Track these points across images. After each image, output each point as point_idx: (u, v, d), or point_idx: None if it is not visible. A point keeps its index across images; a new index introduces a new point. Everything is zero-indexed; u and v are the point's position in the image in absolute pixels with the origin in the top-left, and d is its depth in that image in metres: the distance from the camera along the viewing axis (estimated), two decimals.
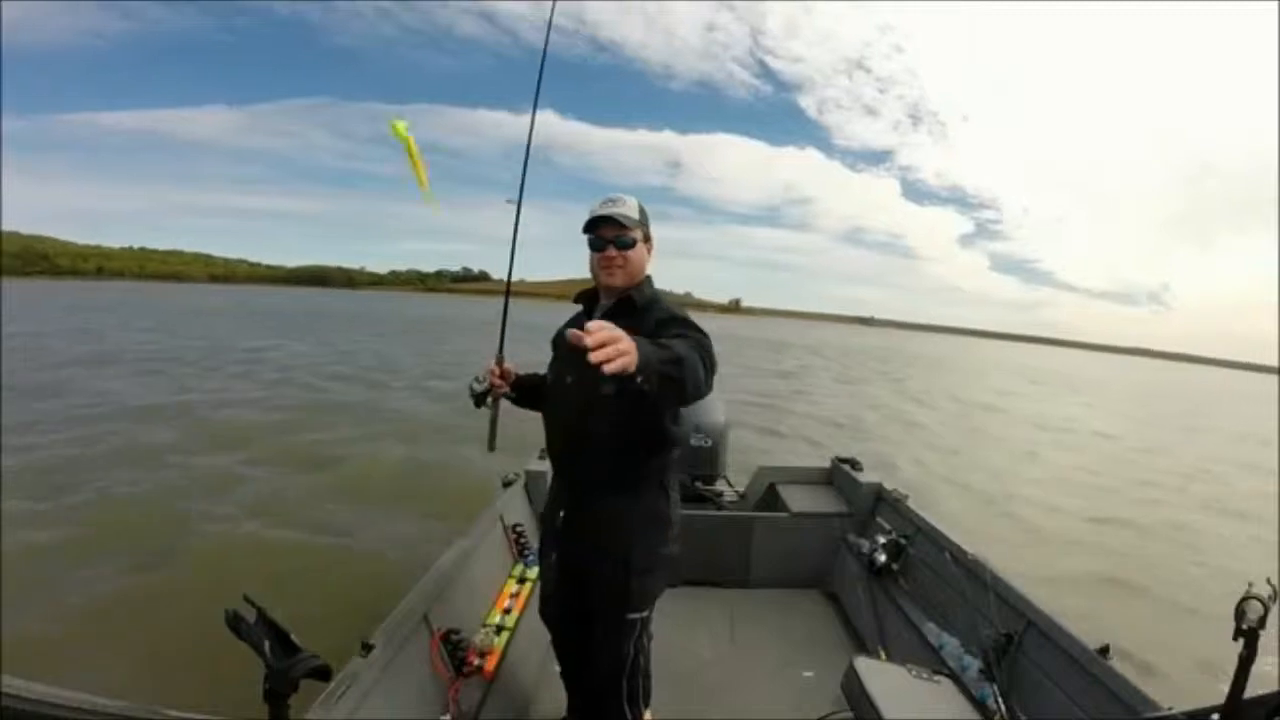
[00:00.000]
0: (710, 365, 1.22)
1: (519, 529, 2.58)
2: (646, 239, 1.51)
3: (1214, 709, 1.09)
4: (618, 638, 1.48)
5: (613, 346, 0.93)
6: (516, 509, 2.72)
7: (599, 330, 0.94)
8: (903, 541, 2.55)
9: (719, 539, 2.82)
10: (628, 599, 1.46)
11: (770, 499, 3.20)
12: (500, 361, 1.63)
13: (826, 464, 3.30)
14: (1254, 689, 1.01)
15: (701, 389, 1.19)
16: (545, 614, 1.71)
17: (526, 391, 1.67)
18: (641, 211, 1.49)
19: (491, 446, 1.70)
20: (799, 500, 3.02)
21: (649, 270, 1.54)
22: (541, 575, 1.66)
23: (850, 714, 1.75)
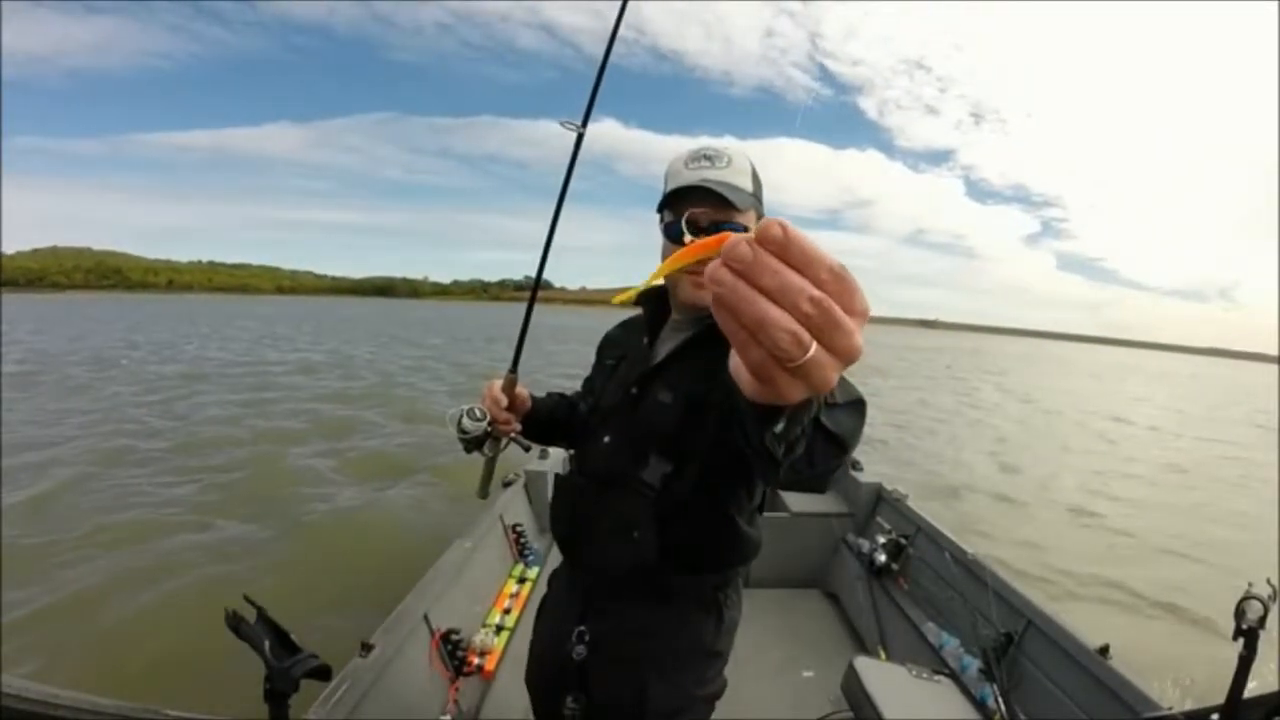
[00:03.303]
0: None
1: (519, 529, 2.58)
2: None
3: (1214, 709, 1.08)
4: None
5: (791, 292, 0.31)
6: (516, 509, 2.72)
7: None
8: (903, 541, 2.55)
9: None
10: None
11: (770, 499, 3.19)
12: (512, 385, 1.11)
13: None
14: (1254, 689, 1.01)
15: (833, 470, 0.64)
16: (531, 682, 1.18)
17: (544, 427, 1.19)
18: (755, 179, 0.94)
19: (484, 493, 1.28)
20: (799, 500, 3.02)
21: None
22: (536, 632, 1.19)
23: (850, 714, 1.75)
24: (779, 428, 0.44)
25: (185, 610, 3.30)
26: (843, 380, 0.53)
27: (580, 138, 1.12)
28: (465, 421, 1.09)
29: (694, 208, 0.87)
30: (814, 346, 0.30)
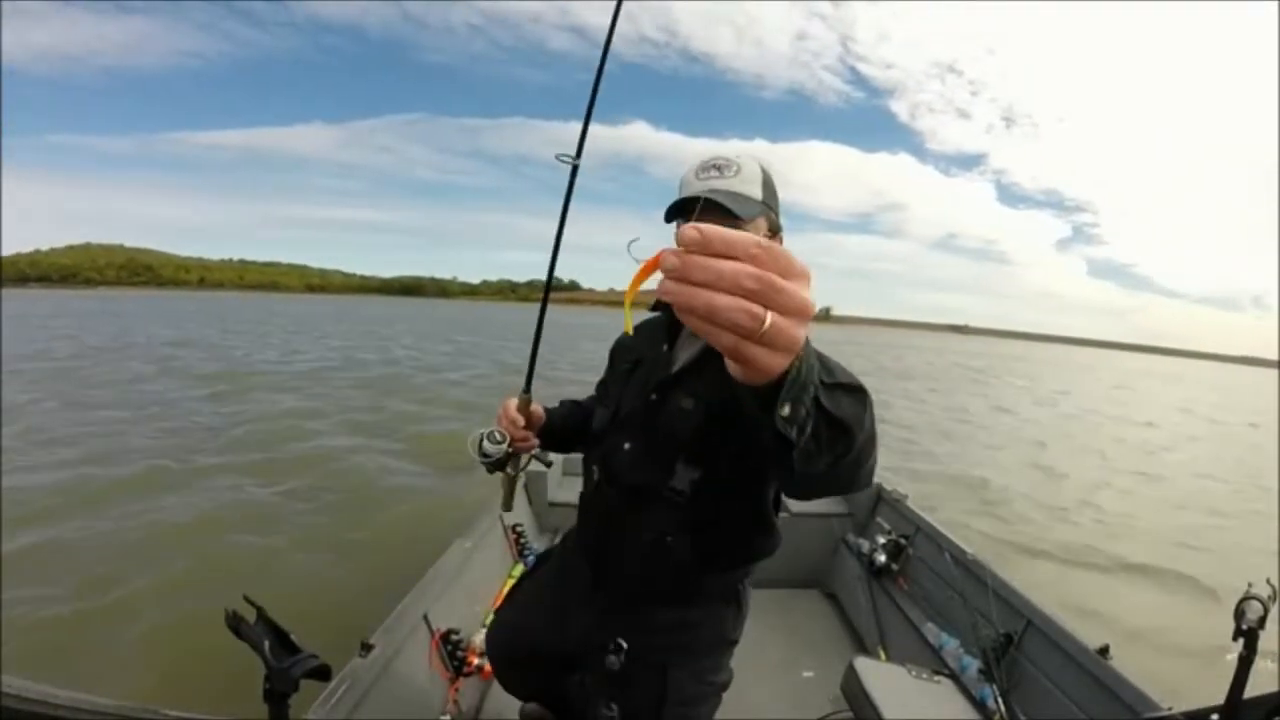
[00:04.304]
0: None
1: (519, 529, 2.58)
2: (774, 231, 0.94)
3: (1213, 709, 1.08)
4: None
5: (744, 278, 0.37)
6: (516, 509, 2.72)
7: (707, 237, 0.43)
8: (902, 541, 2.54)
9: None
10: None
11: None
12: (526, 405, 1.14)
13: None
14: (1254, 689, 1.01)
15: (863, 479, 0.61)
16: (510, 658, 1.27)
17: (560, 437, 1.22)
18: (767, 186, 0.93)
19: (508, 506, 1.29)
20: (798, 500, 3.02)
21: None
22: (526, 610, 1.27)
23: (850, 714, 1.75)
24: (786, 410, 0.45)
25: (185, 608, 3.31)
26: (840, 368, 0.55)
27: (575, 170, 1.14)
28: (486, 445, 1.11)
29: (698, 219, 0.84)
30: (768, 315, 0.35)
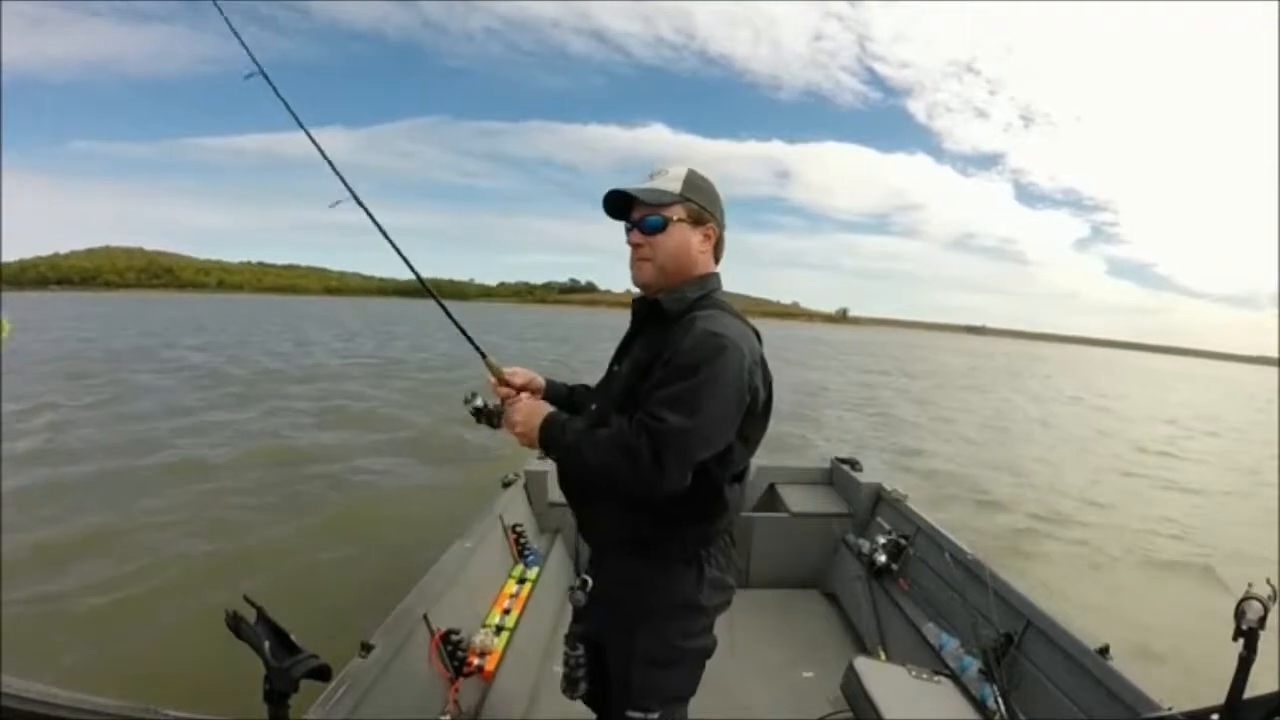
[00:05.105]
0: (657, 452, 0.93)
1: (519, 529, 2.58)
2: (699, 221, 1.12)
3: (1213, 709, 1.09)
4: None
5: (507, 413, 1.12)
6: (516, 509, 2.72)
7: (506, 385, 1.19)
8: (902, 541, 2.54)
9: None
10: (628, 692, 1.15)
11: (770, 499, 3.20)
12: (498, 370, 1.25)
13: (826, 464, 3.30)
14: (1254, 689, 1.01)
15: (636, 487, 0.96)
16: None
17: (562, 404, 1.31)
18: (692, 184, 1.12)
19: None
20: (799, 500, 3.02)
21: (715, 267, 1.18)
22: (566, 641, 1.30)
23: (850, 714, 1.75)
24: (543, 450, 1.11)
25: (185, 608, 3.31)
26: (578, 445, 1.06)
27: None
28: (476, 400, 1.22)
29: (634, 209, 1.14)
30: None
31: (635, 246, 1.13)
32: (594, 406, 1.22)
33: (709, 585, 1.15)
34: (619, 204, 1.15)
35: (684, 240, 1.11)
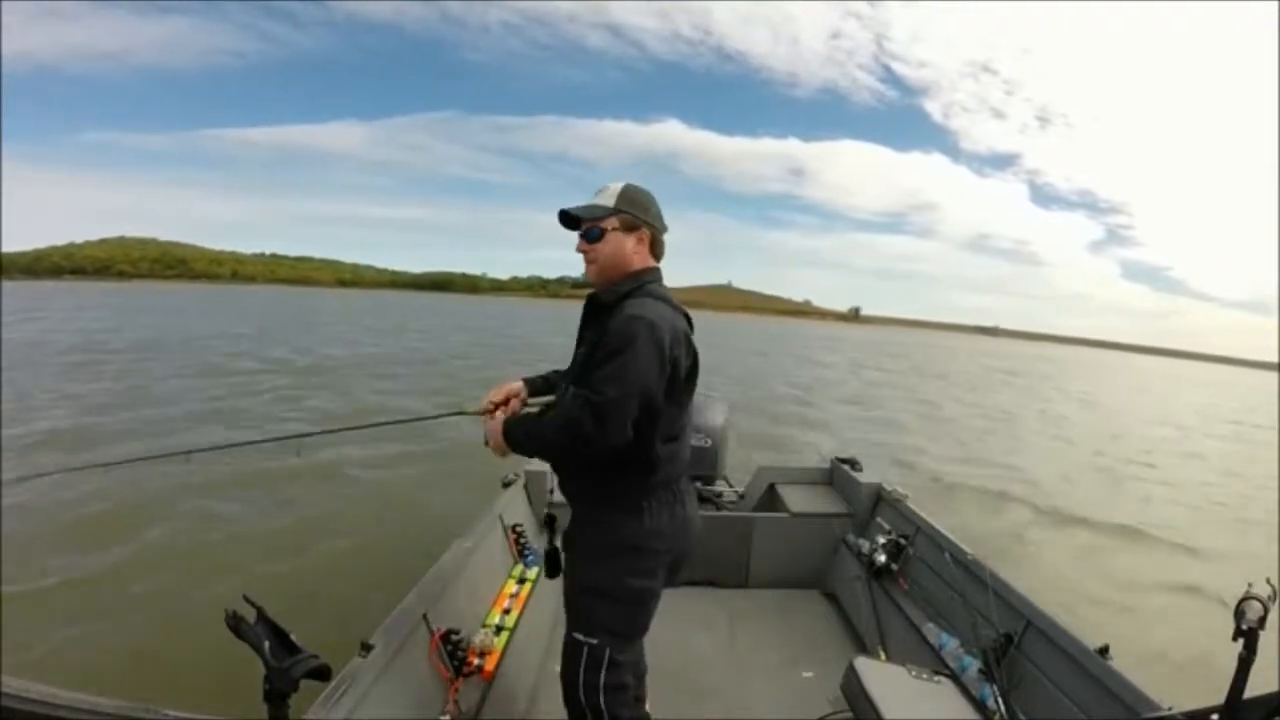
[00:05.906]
0: (599, 419, 1.17)
1: (519, 529, 2.58)
2: (631, 228, 1.36)
3: (1213, 709, 1.09)
4: (565, 657, 1.40)
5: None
6: (516, 509, 2.72)
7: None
8: (902, 541, 2.54)
9: (718, 539, 2.81)
10: (574, 616, 1.39)
11: (770, 499, 3.20)
12: (482, 407, 1.55)
13: (826, 464, 3.30)
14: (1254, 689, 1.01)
15: (588, 448, 1.19)
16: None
17: (542, 390, 1.58)
18: (626, 198, 1.36)
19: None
20: (799, 500, 3.02)
21: (652, 262, 1.41)
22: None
23: (850, 714, 1.75)
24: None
25: (185, 608, 3.31)
26: (537, 429, 1.35)
27: None
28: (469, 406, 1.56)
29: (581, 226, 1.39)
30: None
31: (583, 253, 1.37)
32: (565, 385, 1.44)
33: (649, 533, 1.35)
34: (569, 221, 1.40)
35: (619, 245, 1.35)
